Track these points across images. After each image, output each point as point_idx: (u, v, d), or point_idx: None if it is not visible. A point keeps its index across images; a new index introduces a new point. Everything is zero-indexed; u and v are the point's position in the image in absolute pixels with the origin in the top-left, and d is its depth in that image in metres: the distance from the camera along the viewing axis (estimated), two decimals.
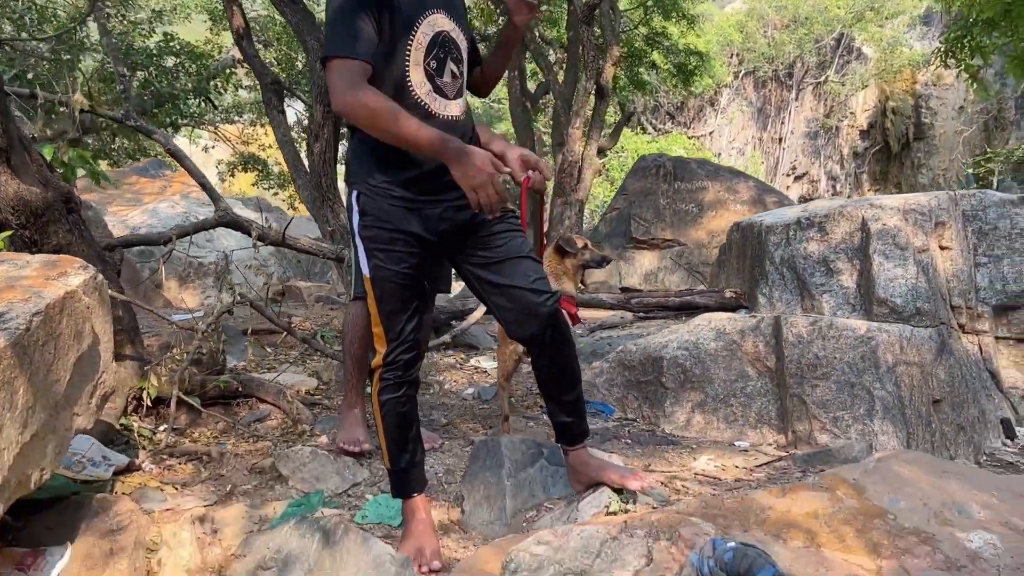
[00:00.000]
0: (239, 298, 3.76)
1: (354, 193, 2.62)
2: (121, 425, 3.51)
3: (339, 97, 2.33)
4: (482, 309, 5.13)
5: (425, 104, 2.48)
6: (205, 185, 4.29)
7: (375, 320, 2.66)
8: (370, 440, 3.47)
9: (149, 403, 3.41)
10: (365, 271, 2.61)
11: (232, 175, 16.01)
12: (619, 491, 2.78)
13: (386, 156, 2.51)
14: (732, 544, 2.05)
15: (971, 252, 4.73)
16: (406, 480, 2.75)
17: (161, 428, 3.65)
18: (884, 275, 4.27)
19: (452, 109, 2.57)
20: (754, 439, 3.88)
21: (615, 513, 2.72)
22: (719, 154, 29.50)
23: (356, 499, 3.15)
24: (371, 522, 2.95)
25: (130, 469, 3.23)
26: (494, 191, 2.31)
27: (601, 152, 11.22)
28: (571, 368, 2.77)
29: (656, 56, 14.44)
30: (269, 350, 4.76)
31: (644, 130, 28.30)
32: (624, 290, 9.13)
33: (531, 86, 14.65)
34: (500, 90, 20.39)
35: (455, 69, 2.58)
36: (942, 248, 4.62)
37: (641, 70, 14.75)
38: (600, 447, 3.65)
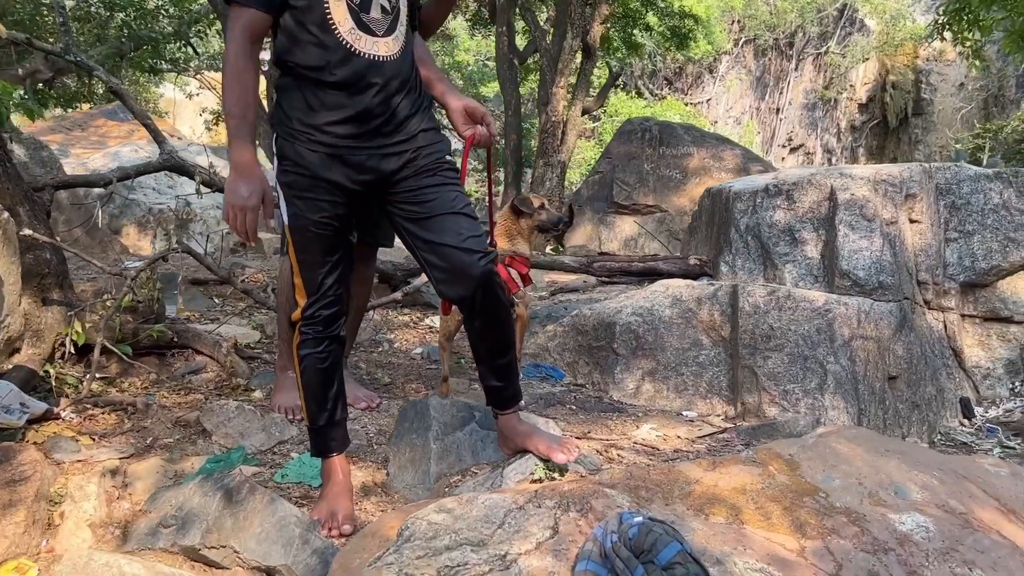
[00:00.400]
0: (176, 246, 3.61)
1: (274, 136, 2.49)
2: (45, 372, 3.39)
3: (225, 45, 2.30)
4: None
5: (347, 43, 2.33)
6: (149, 126, 4.13)
7: (295, 271, 2.54)
8: None
9: (72, 350, 3.28)
10: (284, 219, 2.48)
11: (216, 124, 15.72)
12: (546, 459, 2.68)
13: (308, 99, 2.37)
14: (639, 519, 1.94)
15: (942, 227, 4.60)
16: (324, 439, 2.64)
17: (88, 376, 3.53)
18: (848, 247, 4.14)
19: (381, 48, 2.40)
20: (703, 409, 3.78)
21: (540, 481, 2.62)
22: (715, 122, 29.19)
23: (281, 457, 3.04)
24: (291, 481, 2.84)
25: (48, 417, 3.11)
26: (241, 224, 2.25)
27: (586, 113, 11.01)
28: (504, 332, 2.66)
29: (651, 18, 14.16)
30: (217, 301, 4.63)
31: (640, 95, 27.96)
32: (603, 255, 8.99)
33: (523, 44, 14.36)
34: (491, 48, 20.05)
35: (385, 4, 2.41)
36: (912, 221, 4.49)
37: (635, 31, 14.46)
38: (543, 412, 3.55)
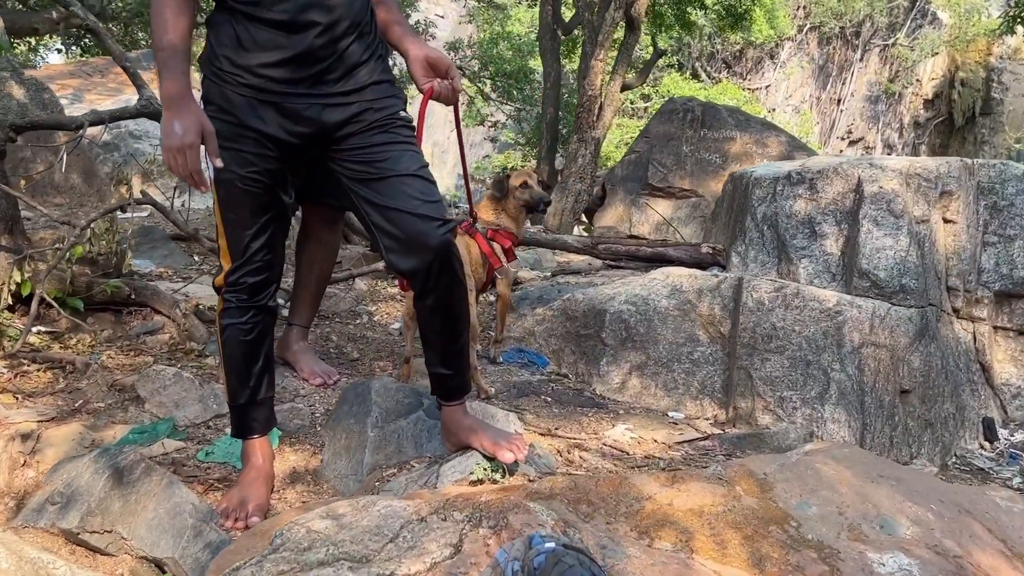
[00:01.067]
0: (141, 196, 3.38)
1: (202, 77, 2.22)
2: None
3: None
4: None
5: None
6: (128, 69, 3.90)
7: (219, 231, 2.29)
8: None
9: (10, 300, 3.08)
10: (209, 171, 2.21)
11: None
12: (491, 457, 2.40)
13: (240, 36, 2.11)
14: (550, 545, 1.65)
15: (980, 229, 4.19)
16: (245, 419, 2.41)
17: (35, 329, 3.33)
18: (871, 244, 3.76)
19: None
20: (692, 411, 3.46)
21: (480, 482, 2.34)
22: (773, 109, 28.42)
23: (214, 432, 2.81)
24: (216, 460, 2.60)
25: None
26: (183, 167, 1.99)
27: (626, 89, 10.59)
28: (458, 312, 2.37)
29: None
30: (197, 258, 4.41)
31: (697, 77, 27.27)
32: (632, 239, 8.63)
33: (570, 16, 13.92)
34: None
35: None
36: (946, 221, 4.08)
37: (690, 9, 13.92)
38: (514, 402, 3.27)
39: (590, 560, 1.63)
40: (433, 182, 2.30)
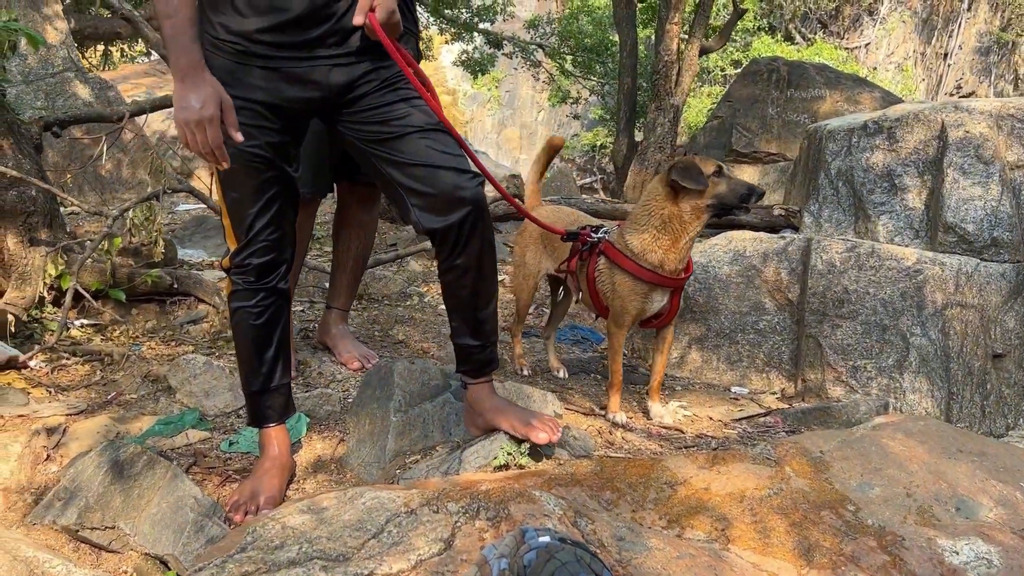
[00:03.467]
0: (179, 183, 3.31)
1: None
2: (30, 316, 3.19)
3: None
4: None
5: None
6: (166, 58, 3.86)
7: (223, 211, 2.17)
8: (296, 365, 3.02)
9: (45, 293, 3.05)
10: None
11: None
12: (519, 440, 2.22)
13: (235, 0, 1.97)
14: (544, 539, 1.46)
15: None
16: (259, 407, 2.30)
17: (78, 323, 3.32)
18: (957, 195, 3.40)
19: None
20: (758, 385, 3.19)
21: (505, 467, 2.17)
22: (874, 68, 27.12)
23: (243, 422, 2.71)
24: (240, 451, 2.51)
25: (11, 365, 2.90)
26: (204, 143, 1.88)
27: (705, 52, 10.15)
28: (488, 273, 2.23)
29: None
30: None
31: (791, 39, 26.22)
32: None
33: None
34: None
35: None
36: None
37: None
38: (563, 382, 3.08)
39: (591, 556, 1.43)
40: (451, 135, 2.15)
